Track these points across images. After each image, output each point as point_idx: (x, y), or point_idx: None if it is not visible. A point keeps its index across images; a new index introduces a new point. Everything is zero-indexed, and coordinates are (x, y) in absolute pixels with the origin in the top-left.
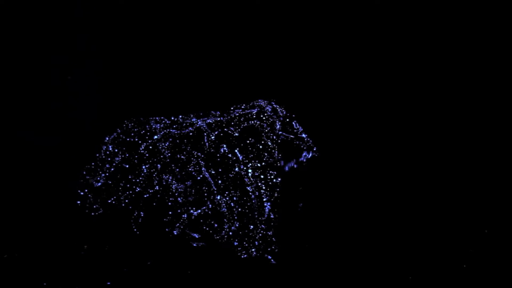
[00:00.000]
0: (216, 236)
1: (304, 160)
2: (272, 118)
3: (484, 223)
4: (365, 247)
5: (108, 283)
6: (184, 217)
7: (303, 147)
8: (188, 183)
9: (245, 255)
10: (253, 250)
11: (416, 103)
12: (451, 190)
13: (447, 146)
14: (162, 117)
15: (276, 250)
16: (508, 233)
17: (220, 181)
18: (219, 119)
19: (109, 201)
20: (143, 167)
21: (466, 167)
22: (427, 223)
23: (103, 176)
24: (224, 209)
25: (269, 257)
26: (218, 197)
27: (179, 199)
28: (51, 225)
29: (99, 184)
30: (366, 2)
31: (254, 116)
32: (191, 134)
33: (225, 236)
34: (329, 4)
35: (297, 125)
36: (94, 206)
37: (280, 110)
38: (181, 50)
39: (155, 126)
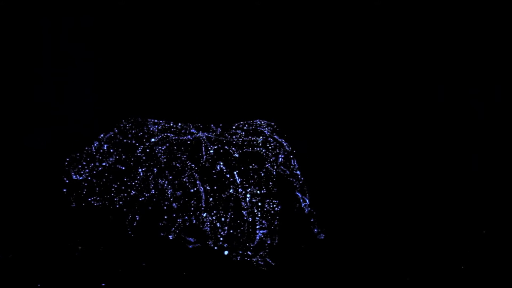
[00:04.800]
0: (212, 240)
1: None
2: (277, 149)
3: (482, 224)
4: (363, 247)
5: (103, 284)
6: (179, 221)
7: (296, 184)
8: (178, 193)
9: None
10: (249, 251)
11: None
12: (449, 190)
13: (445, 147)
14: (160, 120)
15: (274, 251)
16: (506, 233)
17: (211, 199)
18: (219, 132)
19: (104, 202)
20: (140, 170)
21: (464, 168)
22: (425, 224)
23: (87, 172)
24: (207, 228)
25: (267, 258)
26: (204, 215)
27: (174, 204)
28: (46, 226)
29: (80, 178)
30: (366, 4)
31: (260, 144)
32: (189, 142)
33: (222, 239)
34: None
35: (295, 162)
36: (77, 198)
37: (286, 144)
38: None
39: (153, 128)
